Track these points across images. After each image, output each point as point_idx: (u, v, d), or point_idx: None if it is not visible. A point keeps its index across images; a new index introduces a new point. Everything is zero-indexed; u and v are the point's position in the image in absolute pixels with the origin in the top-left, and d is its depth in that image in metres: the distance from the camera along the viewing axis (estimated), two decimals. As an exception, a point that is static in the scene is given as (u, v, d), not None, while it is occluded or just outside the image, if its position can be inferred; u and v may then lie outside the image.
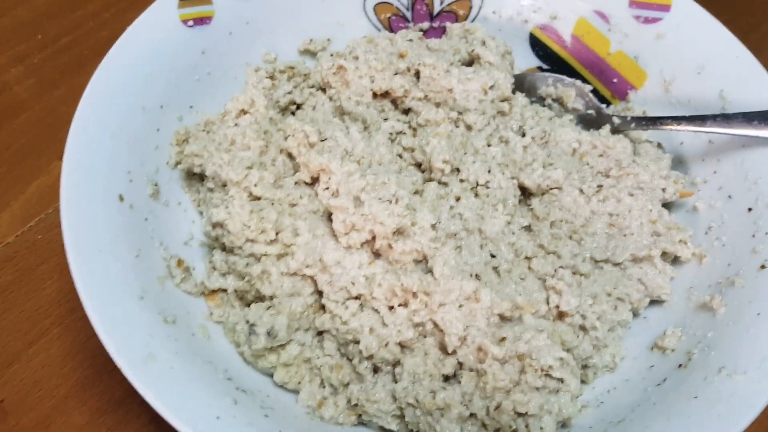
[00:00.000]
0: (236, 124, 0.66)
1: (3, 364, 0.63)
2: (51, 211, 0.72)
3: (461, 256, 0.58)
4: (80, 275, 0.48)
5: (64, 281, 0.68)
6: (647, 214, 0.63)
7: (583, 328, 0.58)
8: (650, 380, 0.55)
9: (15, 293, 0.67)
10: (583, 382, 0.57)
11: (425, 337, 0.55)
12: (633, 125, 0.68)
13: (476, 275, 0.57)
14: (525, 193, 0.65)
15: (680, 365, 0.55)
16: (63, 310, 0.66)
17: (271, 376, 0.57)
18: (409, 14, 0.77)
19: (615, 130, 0.68)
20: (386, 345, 0.54)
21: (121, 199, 0.56)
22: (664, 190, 0.64)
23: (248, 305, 0.59)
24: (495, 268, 0.59)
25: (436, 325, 0.54)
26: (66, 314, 0.66)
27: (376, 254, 0.59)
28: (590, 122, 0.71)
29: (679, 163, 0.68)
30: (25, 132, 0.79)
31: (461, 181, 0.63)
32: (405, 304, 0.55)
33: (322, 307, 0.57)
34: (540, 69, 0.77)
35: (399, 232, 0.57)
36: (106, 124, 0.57)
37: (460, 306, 0.54)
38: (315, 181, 0.62)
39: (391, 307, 0.55)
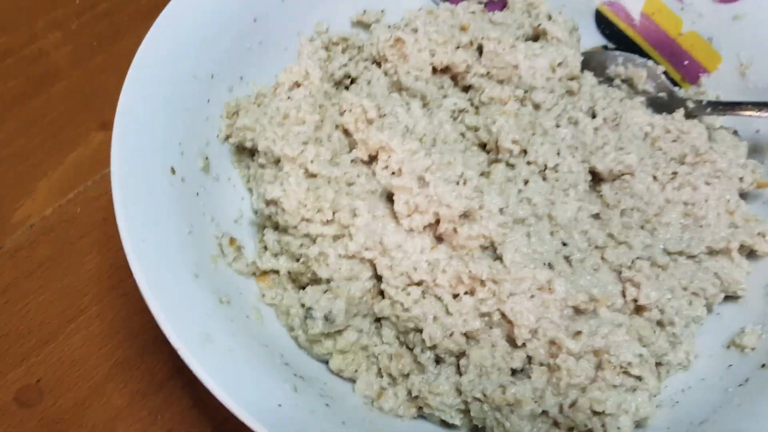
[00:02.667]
0: (289, 97, 0.62)
1: (40, 342, 0.60)
2: (90, 184, 0.69)
3: (531, 243, 0.54)
4: (134, 250, 0.45)
5: (103, 257, 0.65)
6: (724, 204, 0.59)
7: (660, 323, 0.54)
8: (730, 380, 0.52)
9: (53, 268, 0.64)
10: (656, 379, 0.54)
11: (492, 328, 0.52)
12: (709, 110, 0.64)
13: (548, 264, 0.54)
14: (594, 178, 0.61)
15: (763, 365, 0.51)
16: (102, 287, 0.63)
17: (326, 362, 0.54)
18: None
19: (688, 115, 0.64)
20: (451, 335, 0.51)
21: (173, 171, 0.53)
22: (741, 179, 0.60)
23: (302, 288, 0.56)
24: (567, 258, 0.56)
25: (504, 315, 0.51)
26: (105, 291, 0.63)
27: (439, 239, 0.55)
28: (661, 105, 0.67)
29: (754, 151, 0.64)
30: (62, 100, 0.76)
31: (528, 163, 0.60)
32: (471, 292, 0.52)
33: (381, 293, 0.54)
34: (605, 48, 0.73)
35: (466, 215, 0.53)
36: (157, 92, 0.54)
37: (532, 296, 0.51)
38: (373, 159, 0.59)
39: (456, 295, 0.52)
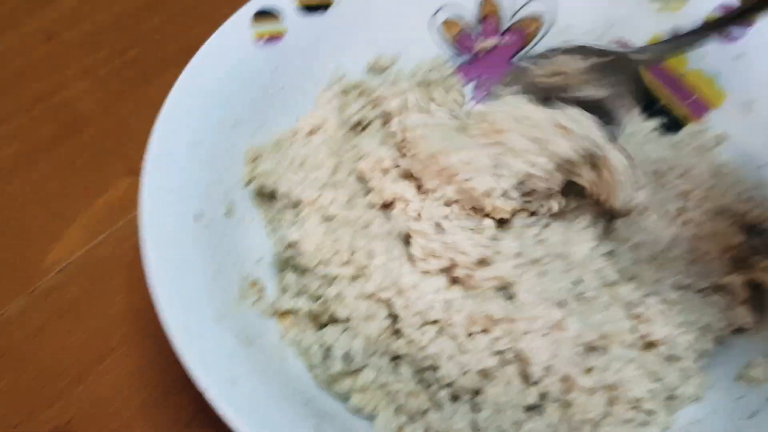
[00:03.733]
0: (307, 143, 0.65)
1: (71, 382, 0.62)
2: (118, 227, 0.72)
3: (544, 282, 0.56)
4: (162, 295, 0.48)
5: (131, 298, 0.67)
6: (728, 239, 0.61)
7: (670, 358, 0.56)
8: (740, 412, 0.53)
9: (83, 310, 0.67)
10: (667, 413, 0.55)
11: (506, 365, 0.53)
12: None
13: (561, 303, 0.55)
14: (607, 215, 0.63)
15: (772, 399, 0.52)
16: (130, 328, 0.66)
17: (346, 400, 0.55)
18: (477, 30, 0.76)
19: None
20: (466, 373, 0.52)
21: (199, 216, 0.55)
22: (744, 214, 0.62)
23: (321, 327, 0.58)
24: (579, 295, 0.57)
25: (518, 353, 0.53)
26: (133, 333, 0.65)
27: (453, 280, 0.57)
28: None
29: (759, 186, 0.66)
30: (91, 146, 0.79)
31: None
32: (486, 331, 0.54)
33: (397, 332, 0.56)
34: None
35: (481, 262, 0.56)
36: (183, 140, 0.57)
37: (545, 334, 0.52)
38: (388, 205, 0.61)
39: (470, 334, 0.54)
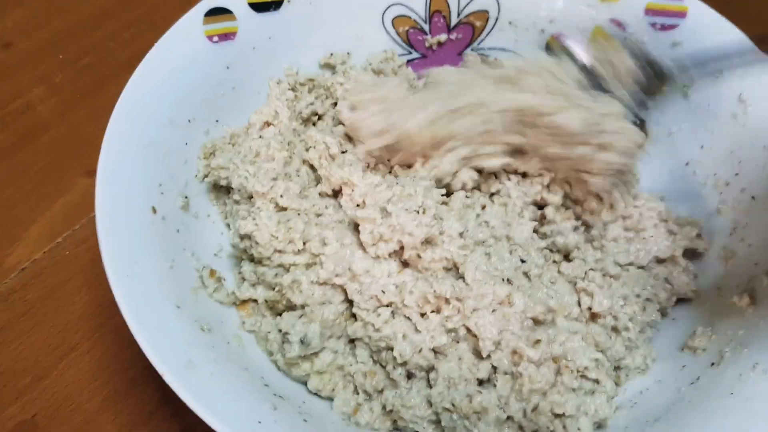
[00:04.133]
0: (260, 136, 0.66)
1: (34, 379, 0.63)
2: (77, 228, 0.73)
3: (491, 262, 0.58)
4: (119, 286, 0.49)
5: (92, 296, 0.68)
6: (657, 214, 0.64)
7: (615, 329, 0.58)
8: (683, 380, 0.55)
9: (44, 309, 0.67)
10: (615, 384, 0.57)
11: (458, 342, 0.55)
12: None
13: (508, 280, 0.57)
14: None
15: (713, 364, 0.55)
16: (92, 324, 0.67)
17: (305, 383, 0.57)
18: (426, 27, 0.78)
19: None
20: (420, 351, 0.54)
21: (154, 211, 0.56)
22: None
23: (279, 314, 0.59)
24: (525, 273, 0.60)
25: (469, 330, 0.55)
26: (95, 329, 0.66)
27: (404, 263, 0.59)
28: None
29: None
30: (48, 150, 0.80)
31: (484, 193, 0.64)
32: (437, 311, 0.56)
33: (353, 316, 0.58)
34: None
35: (427, 241, 0.57)
36: (137, 138, 0.58)
37: (494, 311, 0.54)
38: (338, 192, 0.63)
39: (423, 314, 0.56)
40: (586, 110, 0.59)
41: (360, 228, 0.58)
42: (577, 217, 0.64)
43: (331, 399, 0.56)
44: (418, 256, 0.57)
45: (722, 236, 0.64)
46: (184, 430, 0.61)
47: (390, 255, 0.58)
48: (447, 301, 0.55)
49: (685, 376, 0.56)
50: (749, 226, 0.62)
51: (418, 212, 0.57)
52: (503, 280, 0.57)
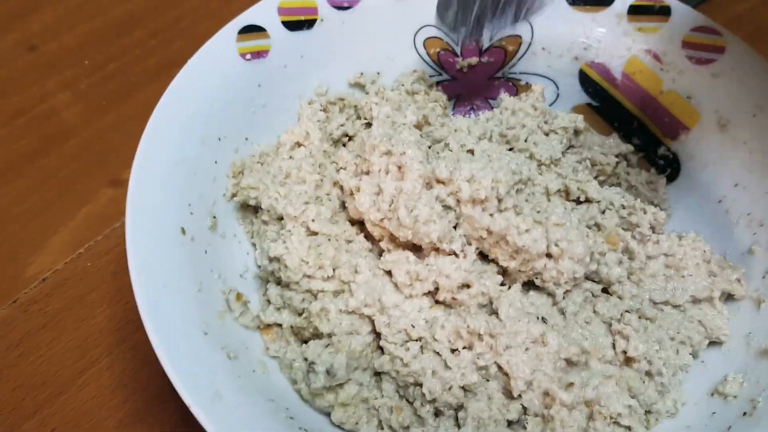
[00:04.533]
0: (291, 157, 0.66)
1: (53, 393, 0.63)
2: (100, 239, 0.72)
3: (527, 298, 0.57)
4: (147, 310, 0.48)
5: (113, 310, 0.67)
6: (701, 254, 0.63)
7: (648, 373, 0.57)
8: (714, 428, 0.54)
9: (64, 321, 0.67)
10: (645, 429, 0.56)
11: (489, 381, 0.54)
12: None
13: (543, 318, 0.56)
14: None
15: (745, 413, 0.54)
16: (113, 339, 0.66)
17: (328, 415, 0.56)
18: (458, 49, 0.77)
19: None
20: (450, 388, 0.53)
21: (183, 232, 0.56)
22: None
23: (304, 341, 0.58)
24: (561, 311, 0.59)
25: (500, 368, 0.54)
26: (116, 344, 0.66)
27: (437, 301, 0.58)
28: None
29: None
30: (73, 158, 0.79)
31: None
32: (469, 347, 0.55)
33: (380, 348, 0.57)
34: (589, 106, 0.77)
35: (465, 285, 0.57)
36: (167, 157, 0.57)
37: (527, 349, 0.53)
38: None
39: (454, 350, 0.55)
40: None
41: (394, 271, 0.57)
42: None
43: (354, 432, 0.56)
44: (453, 298, 0.56)
45: (755, 279, 0.63)
46: None
47: (423, 294, 0.57)
48: (480, 337, 0.54)
49: (716, 423, 0.55)
50: (783, 270, 0.61)
51: (457, 255, 0.56)
52: (538, 318, 0.56)
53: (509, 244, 0.55)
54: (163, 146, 0.57)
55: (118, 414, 0.62)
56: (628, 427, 0.52)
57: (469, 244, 0.58)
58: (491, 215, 0.56)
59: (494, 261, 0.59)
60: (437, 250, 0.57)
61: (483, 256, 0.59)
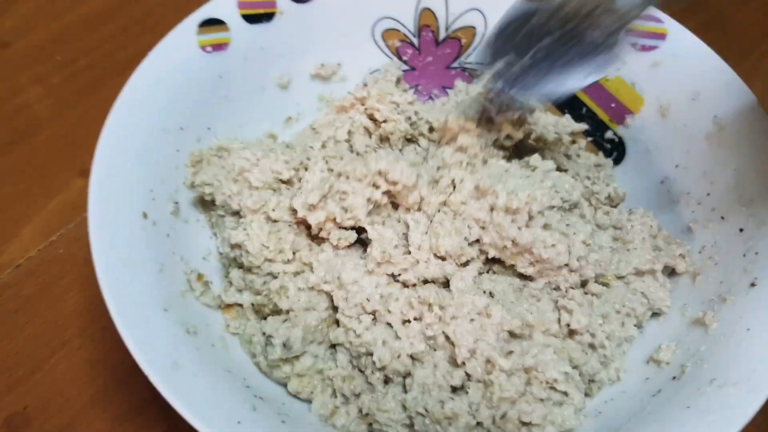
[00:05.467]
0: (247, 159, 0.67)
1: (26, 372, 0.66)
2: (71, 227, 0.75)
3: (480, 278, 0.61)
4: (108, 289, 0.51)
5: (85, 294, 0.71)
6: (648, 229, 0.67)
7: (592, 346, 0.61)
8: (646, 392, 0.58)
9: (37, 305, 0.70)
10: (587, 395, 0.60)
11: (435, 350, 0.58)
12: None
13: (490, 293, 0.60)
14: None
15: (674, 377, 0.57)
16: (84, 321, 0.69)
17: (285, 385, 0.59)
18: (416, 41, 0.80)
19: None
20: (398, 357, 0.57)
21: (145, 216, 0.59)
22: None
23: (264, 318, 0.61)
24: (509, 286, 0.62)
25: (447, 338, 0.57)
26: (87, 325, 0.69)
27: (395, 279, 0.61)
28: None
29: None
30: (44, 150, 0.82)
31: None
32: (419, 318, 0.58)
33: (336, 322, 0.60)
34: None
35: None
36: (130, 145, 0.60)
37: (472, 320, 0.57)
38: None
39: (406, 321, 0.58)
40: None
41: (372, 244, 0.60)
42: None
43: (309, 401, 0.59)
44: (414, 284, 0.60)
45: (693, 254, 0.66)
46: (170, 426, 0.63)
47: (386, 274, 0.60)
48: (430, 307, 0.57)
49: (648, 387, 0.59)
50: (717, 246, 0.65)
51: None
52: (485, 292, 0.60)
53: (533, 255, 0.59)
54: (124, 135, 0.60)
55: (89, 390, 0.65)
56: (565, 393, 0.55)
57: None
58: (519, 228, 0.59)
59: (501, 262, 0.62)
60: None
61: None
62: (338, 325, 0.60)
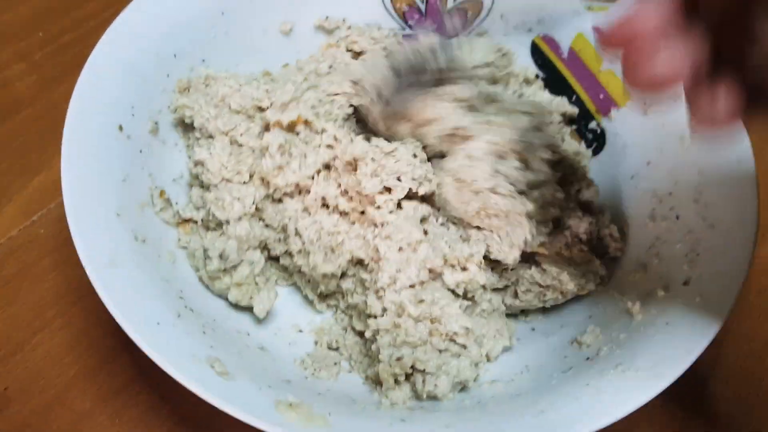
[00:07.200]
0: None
1: (7, 353, 0.66)
2: (53, 207, 0.75)
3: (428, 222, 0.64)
4: (68, 187, 0.56)
5: (66, 275, 0.71)
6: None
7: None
8: (558, 368, 0.60)
9: (18, 285, 0.70)
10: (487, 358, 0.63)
11: (358, 268, 0.63)
12: None
13: (425, 231, 0.63)
14: None
15: (588, 358, 0.59)
16: (65, 302, 0.69)
17: (226, 298, 0.63)
18: (423, 6, 0.82)
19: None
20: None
21: (120, 128, 0.63)
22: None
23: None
24: (443, 224, 0.65)
25: (377, 250, 0.61)
26: (68, 307, 0.69)
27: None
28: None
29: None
30: (26, 128, 0.82)
31: None
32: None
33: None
34: (536, 76, 0.81)
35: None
36: (118, 61, 0.64)
37: (400, 249, 0.60)
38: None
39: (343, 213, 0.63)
40: None
41: (360, 164, 0.62)
42: None
43: (249, 308, 0.63)
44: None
45: (642, 248, 0.67)
46: (153, 405, 0.64)
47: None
48: (369, 218, 0.62)
49: (562, 365, 0.60)
50: (666, 243, 0.65)
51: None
52: (423, 231, 0.62)
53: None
54: (115, 52, 0.64)
55: (70, 371, 0.65)
56: (464, 345, 0.58)
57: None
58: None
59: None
60: None
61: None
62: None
